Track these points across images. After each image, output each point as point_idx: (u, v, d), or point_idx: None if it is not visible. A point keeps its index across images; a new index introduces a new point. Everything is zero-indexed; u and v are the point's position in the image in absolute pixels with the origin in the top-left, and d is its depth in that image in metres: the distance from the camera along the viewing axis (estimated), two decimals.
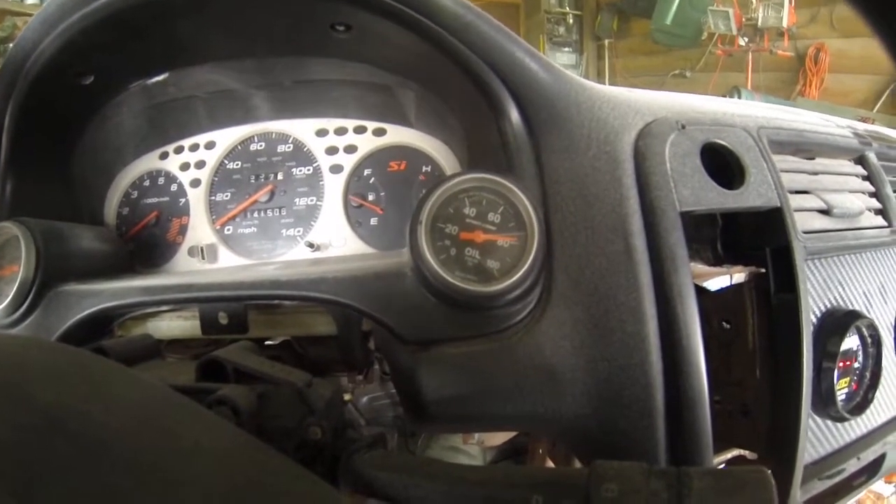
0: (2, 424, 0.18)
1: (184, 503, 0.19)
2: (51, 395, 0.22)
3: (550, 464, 0.80)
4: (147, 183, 0.74)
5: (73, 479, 0.17)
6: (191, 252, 0.70)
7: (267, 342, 0.66)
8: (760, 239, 0.52)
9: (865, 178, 0.64)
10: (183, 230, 0.71)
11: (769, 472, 0.27)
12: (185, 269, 0.70)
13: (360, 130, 0.69)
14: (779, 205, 0.50)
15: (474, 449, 0.86)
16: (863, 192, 0.63)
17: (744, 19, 3.72)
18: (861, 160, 0.66)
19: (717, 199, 0.47)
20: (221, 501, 0.21)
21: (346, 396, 0.68)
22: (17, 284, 0.56)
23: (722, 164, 0.51)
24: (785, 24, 3.62)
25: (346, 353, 0.59)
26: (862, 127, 0.71)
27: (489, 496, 0.30)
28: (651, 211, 0.45)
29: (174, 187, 0.73)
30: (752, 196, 0.49)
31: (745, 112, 0.57)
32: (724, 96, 3.50)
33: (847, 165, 0.64)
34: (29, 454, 0.17)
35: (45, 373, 0.24)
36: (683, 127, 0.49)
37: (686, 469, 0.28)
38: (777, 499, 0.26)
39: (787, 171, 0.54)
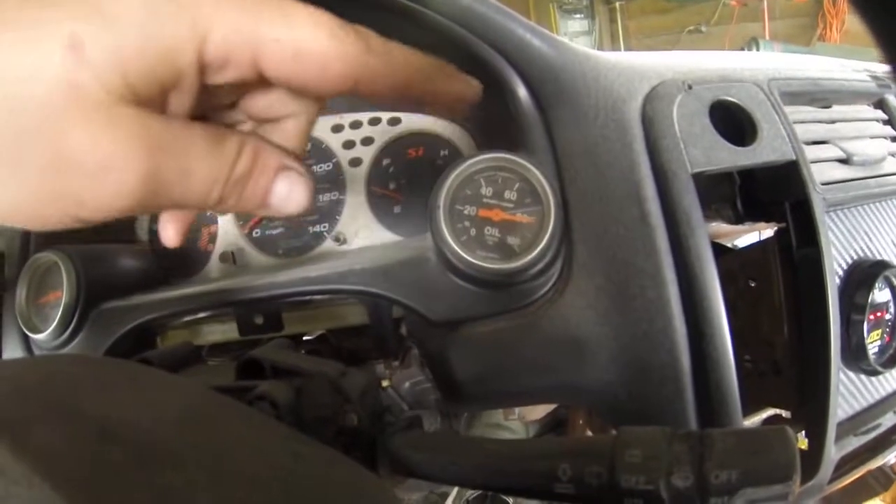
0: (57, 436, 0.20)
1: (231, 493, 0.21)
2: (101, 407, 0.23)
3: (590, 434, 0.81)
4: None
5: (127, 480, 0.19)
6: (222, 258, 0.72)
7: (304, 338, 0.68)
8: (778, 194, 0.52)
9: (886, 123, 0.63)
10: (213, 238, 0.73)
11: (791, 430, 0.27)
12: (217, 275, 0.72)
13: (374, 122, 0.70)
14: (794, 158, 0.49)
15: (516, 424, 0.87)
16: (884, 138, 0.61)
17: None
18: (880, 104, 0.64)
19: (729, 157, 0.47)
20: (265, 488, 0.22)
21: (385, 383, 0.70)
22: (61, 308, 0.58)
23: (734, 122, 0.50)
24: None
25: (380, 341, 0.61)
26: (881, 69, 0.69)
27: (519, 468, 0.31)
28: (663, 175, 0.45)
29: None
30: (765, 151, 0.49)
31: (755, 65, 0.56)
32: (742, 49, 3.41)
33: (866, 110, 0.63)
34: (84, 459, 0.19)
35: (94, 387, 0.25)
36: (690, 87, 0.49)
37: (709, 431, 0.29)
38: (798, 457, 0.26)
39: (801, 122, 0.53)
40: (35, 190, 0.22)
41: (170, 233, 0.33)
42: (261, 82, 0.25)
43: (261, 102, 0.28)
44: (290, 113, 0.29)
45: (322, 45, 0.24)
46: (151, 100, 0.23)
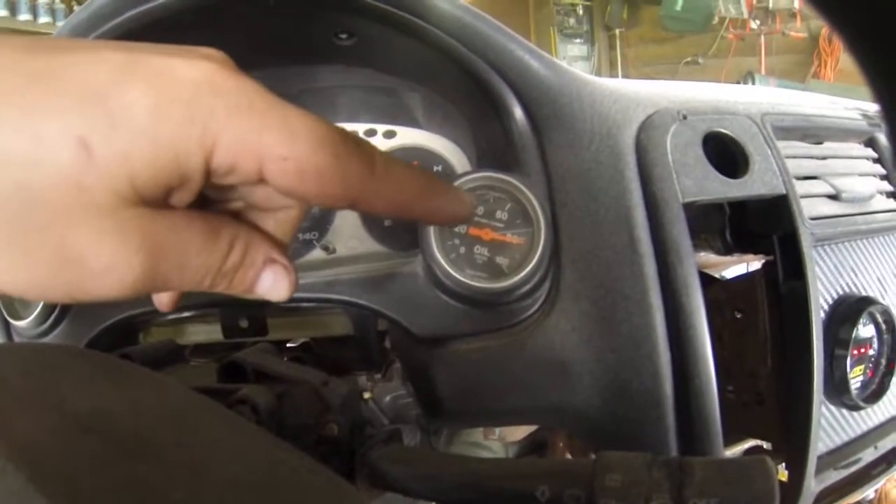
0: (39, 428, 0.20)
1: (208, 493, 0.21)
2: (82, 399, 0.23)
3: (570, 457, 0.80)
4: None
5: (107, 474, 0.19)
6: None
7: (288, 344, 0.68)
8: (767, 226, 0.52)
9: (876, 161, 0.64)
10: None
11: (770, 461, 0.27)
12: None
13: (370, 134, 0.70)
14: (784, 192, 0.50)
15: (496, 444, 0.86)
16: (873, 175, 0.62)
17: (755, 1, 3.68)
18: (871, 142, 0.65)
19: (720, 188, 0.48)
20: (242, 492, 0.22)
21: (367, 395, 0.69)
22: None
23: (726, 154, 0.51)
24: (796, 4, 3.57)
25: (364, 353, 0.61)
26: (872, 108, 0.71)
27: (498, 487, 0.31)
28: (654, 203, 0.46)
29: None
30: (756, 184, 0.49)
31: (749, 99, 0.57)
32: (738, 82, 3.46)
33: (856, 148, 0.64)
34: (65, 452, 0.19)
35: (74, 378, 0.25)
36: (685, 117, 0.50)
37: (689, 459, 0.29)
38: (778, 488, 0.27)
39: (792, 157, 0.54)
40: (39, 277, 0.23)
41: (164, 300, 0.34)
42: (261, 180, 0.25)
43: (259, 194, 0.29)
44: (285, 206, 0.30)
45: (325, 167, 0.24)
46: (156, 199, 0.24)
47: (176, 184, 0.23)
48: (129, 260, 0.23)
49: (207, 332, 0.64)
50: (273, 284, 0.28)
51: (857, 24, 0.16)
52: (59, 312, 0.58)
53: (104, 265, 0.23)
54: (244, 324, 0.61)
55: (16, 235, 0.22)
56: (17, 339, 0.62)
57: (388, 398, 0.71)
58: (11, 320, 0.60)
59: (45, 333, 0.59)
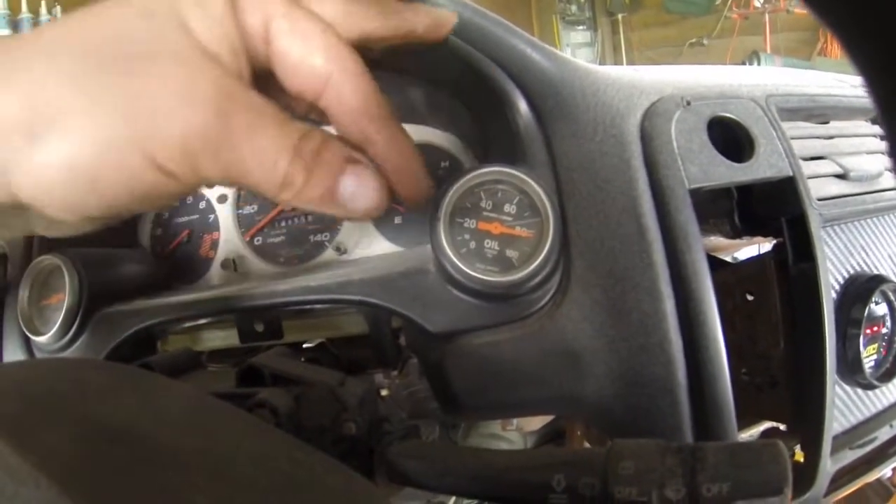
0: (64, 438, 0.20)
1: (229, 495, 0.21)
2: (105, 410, 0.24)
3: (587, 445, 0.81)
4: (176, 203, 0.76)
5: (131, 481, 0.20)
6: (223, 265, 0.73)
7: (304, 345, 0.68)
8: (775, 209, 0.52)
9: (883, 138, 0.64)
10: (214, 245, 0.74)
11: (782, 444, 0.28)
12: (219, 282, 0.73)
13: None
14: (791, 174, 0.50)
15: (514, 435, 0.87)
16: (881, 153, 0.62)
17: None
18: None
19: (726, 173, 0.48)
20: (262, 492, 0.23)
21: (384, 392, 0.70)
22: (63, 311, 0.59)
23: (731, 138, 0.51)
24: None
25: (379, 351, 0.61)
26: None
27: (515, 479, 0.32)
28: (660, 190, 0.46)
29: (202, 205, 0.75)
30: (762, 167, 0.49)
31: (753, 81, 0.57)
32: (743, 62, 3.43)
33: (863, 126, 0.64)
34: (89, 461, 0.20)
35: (98, 390, 0.26)
36: (689, 103, 0.50)
37: (701, 445, 0.29)
38: (791, 470, 0.27)
39: (798, 138, 0.54)
40: (106, 135, 0.24)
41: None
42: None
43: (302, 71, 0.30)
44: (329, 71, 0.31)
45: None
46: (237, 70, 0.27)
47: (241, 50, 0.27)
48: (199, 92, 0.25)
49: (223, 337, 0.65)
50: (357, 189, 0.27)
51: (855, 25, 0.16)
52: (78, 327, 0.59)
53: (173, 94, 0.24)
54: (259, 328, 0.62)
55: (104, 78, 0.24)
56: (37, 354, 0.63)
57: (405, 394, 0.71)
58: (31, 336, 0.61)
59: (65, 347, 0.60)
